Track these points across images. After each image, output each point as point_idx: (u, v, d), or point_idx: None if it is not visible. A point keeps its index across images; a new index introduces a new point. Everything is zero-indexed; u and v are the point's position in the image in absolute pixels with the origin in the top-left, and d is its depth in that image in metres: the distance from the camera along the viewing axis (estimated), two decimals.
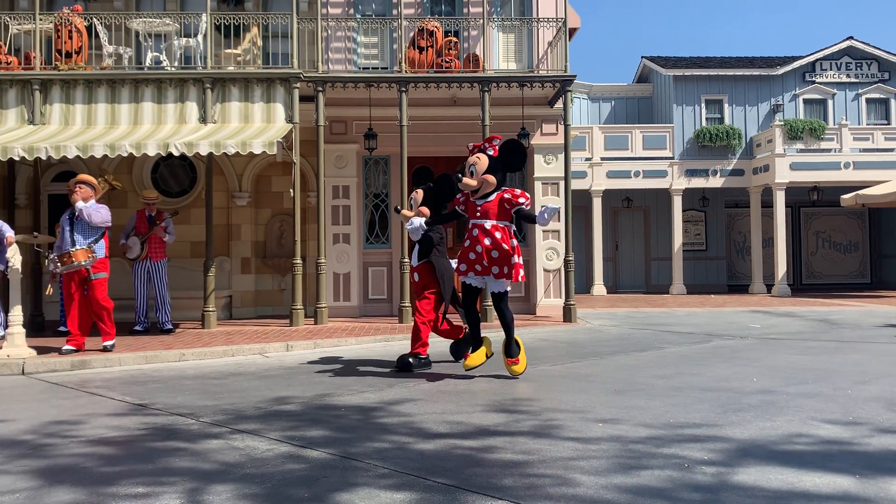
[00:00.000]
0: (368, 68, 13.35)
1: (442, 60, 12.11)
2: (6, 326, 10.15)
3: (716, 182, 21.09)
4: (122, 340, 9.96)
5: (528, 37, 13.46)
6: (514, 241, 6.84)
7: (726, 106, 21.48)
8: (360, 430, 4.89)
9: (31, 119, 11.22)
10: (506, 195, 6.78)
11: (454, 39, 12.40)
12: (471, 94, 12.55)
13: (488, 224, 6.72)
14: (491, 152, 6.92)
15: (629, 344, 9.64)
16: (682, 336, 10.50)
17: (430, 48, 12.10)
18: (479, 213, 6.81)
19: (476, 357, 7.00)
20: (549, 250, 13.35)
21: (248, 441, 4.64)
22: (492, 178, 6.81)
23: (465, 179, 6.89)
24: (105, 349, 8.69)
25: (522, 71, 13.23)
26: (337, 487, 3.67)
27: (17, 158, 10.09)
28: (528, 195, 6.86)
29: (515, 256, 6.71)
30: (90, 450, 4.51)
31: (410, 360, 7.38)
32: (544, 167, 13.47)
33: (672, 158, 20.96)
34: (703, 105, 21.43)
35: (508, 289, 6.96)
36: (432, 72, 12.07)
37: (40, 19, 11.45)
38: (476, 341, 7.09)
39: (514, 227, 6.93)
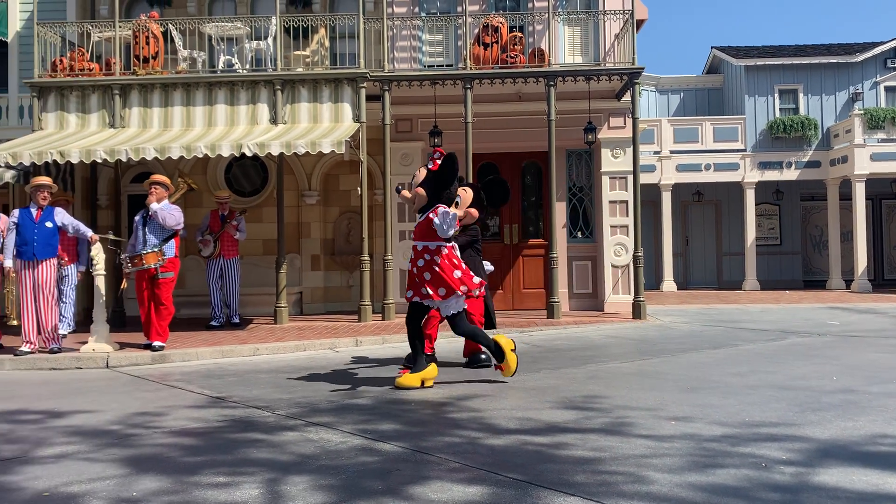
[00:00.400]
0: (433, 66, 13.42)
1: (507, 56, 12.08)
2: (74, 323, 10.66)
3: (790, 174, 20.40)
4: (198, 335, 10.32)
5: (594, 30, 13.30)
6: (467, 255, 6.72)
7: (801, 95, 20.73)
8: (431, 425, 4.94)
9: (111, 123, 11.71)
10: (430, 214, 6.43)
11: (519, 35, 12.35)
12: (536, 89, 12.48)
13: (419, 245, 6.45)
14: (430, 165, 6.65)
15: (701, 341, 9.44)
16: (756, 333, 10.22)
17: (494, 44, 12.08)
18: (415, 231, 6.57)
19: (410, 378, 6.31)
20: (618, 246, 13.17)
21: (322, 433, 4.75)
22: (422, 192, 6.51)
23: (403, 192, 6.75)
24: (153, 349, 8.65)
25: (589, 64, 13.08)
26: (410, 480, 3.73)
27: (99, 161, 10.55)
28: (442, 209, 6.40)
29: (455, 273, 6.33)
30: (173, 440, 4.69)
31: (482, 356, 7.40)
32: (612, 161, 13.29)
33: (744, 151, 20.37)
34: (776, 95, 20.74)
35: (460, 310, 6.44)
36: (497, 68, 12.05)
37: (119, 26, 11.93)
38: (417, 359, 6.47)
39: (461, 241, 6.83)
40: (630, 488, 3.54)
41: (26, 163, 10.43)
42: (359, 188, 11.86)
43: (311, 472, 3.92)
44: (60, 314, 9.74)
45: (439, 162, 6.59)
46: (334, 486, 3.66)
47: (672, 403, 5.50)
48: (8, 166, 10.97)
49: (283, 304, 11.75)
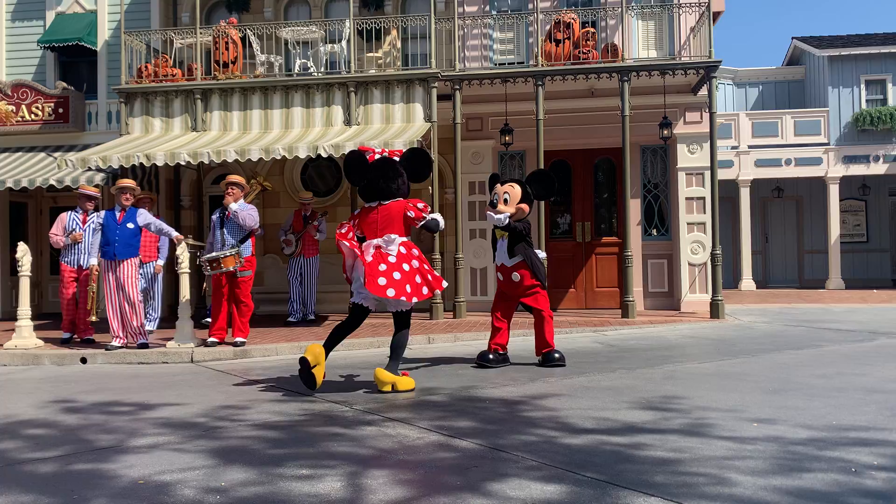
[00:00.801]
0: (504, 64, 13.40)
1: (579, 52, 11.96)
2: (159, 318, 11.07)
3: (878, 168, 19.50)
4: (276, 331, 10.60)
5: (668, 23, 13.03)
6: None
7: (890, 86, 19.78)
8: (507, 423, 4.96)
9: (193, 126, 12.14)
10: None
11: (591, 30, 12.21)
12: (609, 85, 12.31)
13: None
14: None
15: (783, 342, 9.14)
16: (841, 333, 9.83)
17: (566, 40, 11.99)
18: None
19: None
20: (695, 243, 12.87)
21: (399, 429, 4.83)
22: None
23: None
24: (236, 344, 8.91)
25: (664, 58, 12.82)
26: (488, 477, 3.75)
27: (183, 163, 10.97)
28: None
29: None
30: (257, 433, 4.85)
31: (556, 355, 7.37)
32: (688, 157, 12.99)
33: (827, 144, 19.59)
34: (862, 86, 19.85)
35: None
36: (569, 64, 11.95)
37: (200, 33, 12.35)
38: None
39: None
40: (712, 490, 3.48)
41: (115, 166, 10.94)
42: (430, 187, 11.96)
43: (390, 466, 3.99)
44: (146, 311, 10.17)
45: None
46: (413, 481, 3.72)
47: (754, 405, 5.35)
48: (98, 169, 11.52)
49: None
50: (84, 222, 9.85)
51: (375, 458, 4.15)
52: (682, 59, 12.45)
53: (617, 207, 13.54)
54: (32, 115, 14.27)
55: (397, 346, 6.29)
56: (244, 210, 9.09)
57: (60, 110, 14.25)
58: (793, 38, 22.09)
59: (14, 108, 13.78)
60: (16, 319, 9.46)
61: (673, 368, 7.19)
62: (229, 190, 9.12)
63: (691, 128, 13.01)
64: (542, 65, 11.92)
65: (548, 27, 12.41)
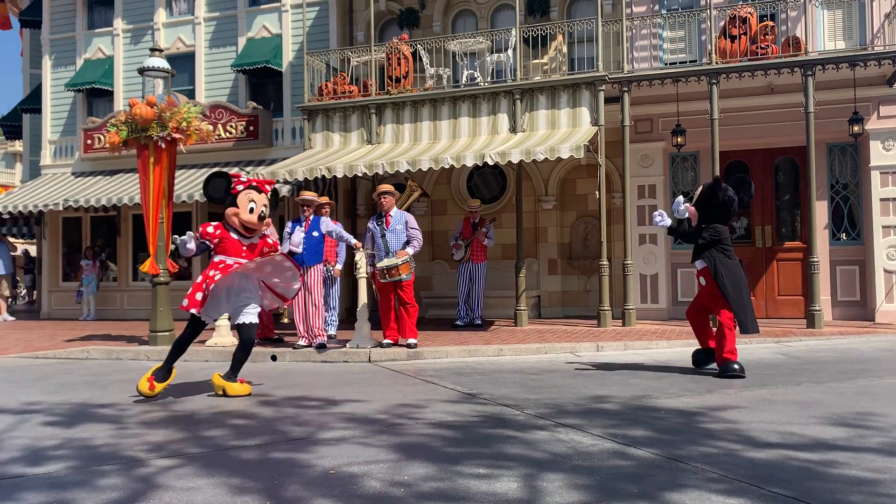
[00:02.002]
0: (675, 63, 12.98)
1: (756, 47, 11.36)
2: (336, 323, 11.63)
3: None
4: (445, 335, 10.92)
5: (858, 11, 12.05)
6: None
7: None
8: (684, 434, 4.83)
9: (368, 139, 12.81)
10: None
11: (770, 24, 11.55)
12: (790, 80, 11.59)
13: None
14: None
15: None
16: None
17: (742, 35, 11.42)
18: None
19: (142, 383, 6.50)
20: (891, 248, 11.78)
21: (572, 435, 4.84)
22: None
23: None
24: (409, 346, 9.23)
25: (853, 49, 11.86)
26: (666, 487, 3.69)
27: (360, 175, 11.61)
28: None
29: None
30: (434, 431, 5.05)
31: (735, 365, 7.05)
32: (883, 154, 11.93)
33: None
34: None
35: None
36: (746, 60, 11.38)
37: (374, 50, 13.02)
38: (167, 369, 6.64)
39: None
40: None
41: (300, 178, 11.78)
42: (596, 192, 11.83)
43: (564, 470, 4.02)
44: (328, 313, 10.80)
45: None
46: (589, 486, 3.73)
47: None
48: (285, 182, 12.43)
49: (522, 307, 12.06)
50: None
51: (549, 462, 4.19)
52: (875, 48, 11.47)
53: (800, 210, 12.70)
54: (227, 133, 15.69)
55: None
56: (411, 217, 9.43)
57: (251, 128, 15.56)
58: None
59: (212, 127, 15.21)
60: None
61: (867, 383, 6.65)
62: (383, 198, 9.43)
63: (886, 123, 11.94)
64: (716, 62, 11.44)
65: (722, 23, 11.89)
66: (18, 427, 5.48)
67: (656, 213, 7.56)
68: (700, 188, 7.66)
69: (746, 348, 9.30)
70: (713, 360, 7.46)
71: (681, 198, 7.60)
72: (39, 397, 6.75)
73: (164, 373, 6.60)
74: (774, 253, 12.83)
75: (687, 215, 7.51)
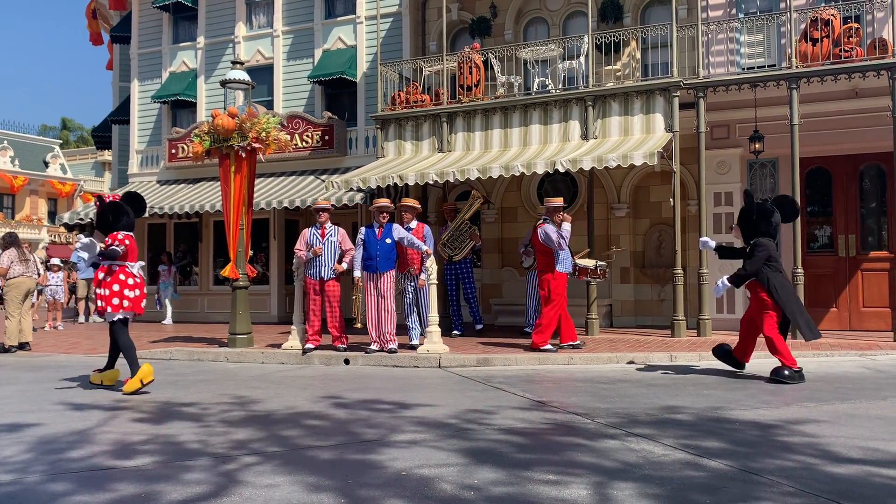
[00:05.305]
0: (753, 68, 12.66)
1: (840, 50, 10.98)
2: (424, 327, 11.67)
3: None
4: (513, 342, 10.92)
5: None
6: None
7: None
8: (759, 446, 4.73)
9: (439, 147, 12.95)
10: None
11: (855, 25, 11.14)
12: (876, 84, 11.13)
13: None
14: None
15: None
16: None
17: (825, 38, 11.05)
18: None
19: (131, 383, 7.21)
20: None
21: (643, 444, 4.81)
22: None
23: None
24: (575, 346, 9.91)
25: None
26: (740, 499, 3.63)
27: (431, 182, 11.76)
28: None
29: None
30: (503, 437, 5.10)
31: (786, 372, 7.30)
32: None
33: None
34: None
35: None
36: (828, 64, 11.01)
37: (446, 59, 13.16)
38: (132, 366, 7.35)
39: None
40: None
41: (373, 186, 12.01)
42: (671, 199, 11.63)
43: (635, 479, 4.01)
44: (410, 320, 10.68)
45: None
46: (660, 496, 3.71)
47: None
48: (359, 189, 12.70)
49: (593, 316, 11.95)
50: (323, 236, 10.09)
51: (620, 471, 4.18)
52: None
53: (888, 218, 12.17)
54: (303, 143, 16.12)
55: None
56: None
57: (326, 137, 15.95)
58: None
59: (290, 136, 15.65)
60: (290, 323, 10.70)
61: None
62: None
63: None
64: (797, 66, 11.11)
65: (802, 26, 11.54)
66: (109, 423, 5.80)
67: (700, 240, 8.53)
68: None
69: (827, 361, 9.00)
70: (730, 364, 8.13)
71: (706, 238, 8.55)
72: (127, 395, 7.10)
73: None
74: (859, 263, 12.34)
75: (713, 246, 8.26)
